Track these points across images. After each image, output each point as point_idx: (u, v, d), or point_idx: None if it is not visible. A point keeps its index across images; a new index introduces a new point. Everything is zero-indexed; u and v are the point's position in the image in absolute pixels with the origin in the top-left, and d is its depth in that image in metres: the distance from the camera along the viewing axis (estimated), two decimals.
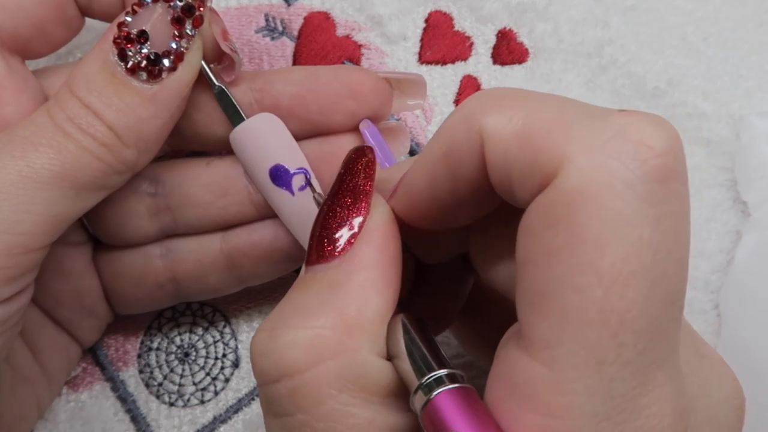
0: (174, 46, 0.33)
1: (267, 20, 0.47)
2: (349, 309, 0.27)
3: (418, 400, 0.26)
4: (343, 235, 0.28)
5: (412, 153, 0.45)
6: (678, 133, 0.23)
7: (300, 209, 0.36)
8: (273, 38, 0.46)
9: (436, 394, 0.25)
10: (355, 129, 0.38)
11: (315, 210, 0.36)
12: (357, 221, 0.29)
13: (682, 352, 0.24)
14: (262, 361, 0.27)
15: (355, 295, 0.27)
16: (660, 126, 0.23)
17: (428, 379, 0.26)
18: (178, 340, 0.43)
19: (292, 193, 0.36)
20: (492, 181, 0.25)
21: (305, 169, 0.36)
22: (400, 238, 0.29)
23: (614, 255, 0.22)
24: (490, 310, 0.34)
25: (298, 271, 0.42)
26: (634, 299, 0.22)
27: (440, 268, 0.33)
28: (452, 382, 0.25)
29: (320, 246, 0.28)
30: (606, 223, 0.22)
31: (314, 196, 0.36)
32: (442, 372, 0.26)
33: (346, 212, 0.29)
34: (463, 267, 0.32)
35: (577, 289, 0.22)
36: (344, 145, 0.37)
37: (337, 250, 0.28)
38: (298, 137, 0.37)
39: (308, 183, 0.36)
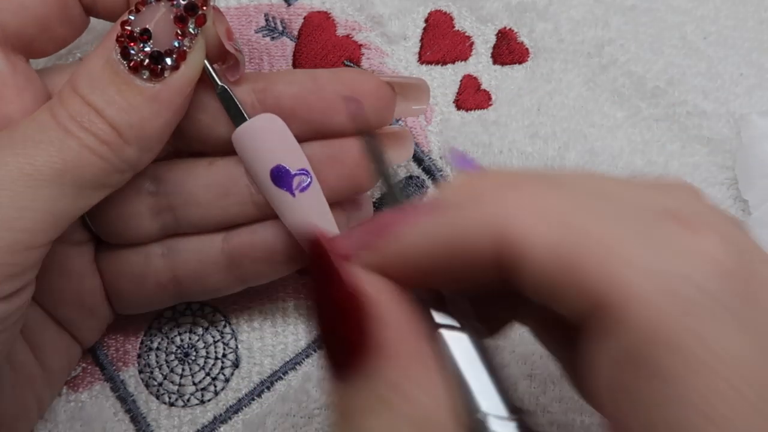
0: (177, 44, 0.33)
1: (267, 20, 0.47)
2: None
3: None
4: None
5: (414, 156, 0.45)
6: (747, 232, 0.21)
7: (300, 210, 0.36)
8: (273, 38, 0.46)
9: None
10: (356, 132, 0.38)
11: (314, 210, 0.36)
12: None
13: None
14: None
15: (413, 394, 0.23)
16: (730, 235, 0.21)
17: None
18: (178, 340, 0.43)
19: (293, 194, 0.36)
20: (525, 291, 0.23)
21: (306, 170, 0.36)
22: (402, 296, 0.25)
23: (722, 399, 0.20)
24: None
25: (299, 272, 0.42)
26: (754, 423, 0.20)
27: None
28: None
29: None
30: (705, 366, 0.20)
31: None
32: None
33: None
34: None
35: None
36: (348, 148, 0.37)
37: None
38: (300, 139, 0.37)
39: (310, 182, 0.36)
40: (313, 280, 0.26)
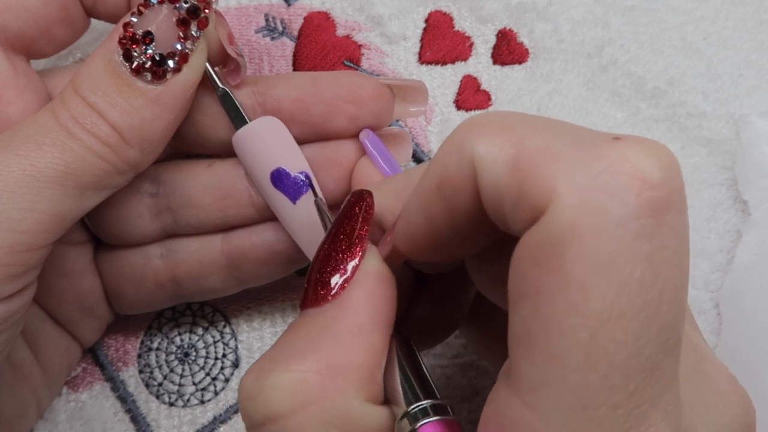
0: (179, 47, 0.33)
1: (267, 20, 0.47)
2: (335, 354, 0.26)
3: (403, 428, 0.26)
4: (337, 279, 0.28)
5: (414, 156, 0.45)
6: (675, 158, 0.22)
7: (300, 212, 0.36)
8: (273, 38, 0.46)
9: (420, 426, 0.26)
10: (356, 134, 0.38)
11: (314, 214, 0.36)
12: (351, 266, 0.28)
13: (681, 376, 0.23)
14: (247, 403, 0.27)
15: (342, 339, 0.27)
16: (655, 154, 0.22)
17: (414, 408, 0.26)
18: (178, 340, 0.43)
19: (293, 197, 0.36)
20: (487, 210, 0.24)
21: (306, 173, 0.36)
22: (394, 282, 0.29)
23: (602, 298, 0.21)
24: (495, 313, 0.33)
25: (299, 272, 0.42)
26: (624, 341, 0.21)
27: (443, 275, 0.32)
28: (438, 413, 0.26)
29: (314, 290, 0.28)
30: (594, 265, 0.21)
31: (315, 201, 0.36)
32: (428, 402, 0.26)
33: (341, 256, 0.29)
34: (466, 274, 0.31)
35: (562, 333, 0.21)
36: (345, 150, 0.38)
37: (330, 294, 0.28)
38: (300, 141, 0.37)
39: (310, 185, 0.36)
40: (341, 217, 0.30)
